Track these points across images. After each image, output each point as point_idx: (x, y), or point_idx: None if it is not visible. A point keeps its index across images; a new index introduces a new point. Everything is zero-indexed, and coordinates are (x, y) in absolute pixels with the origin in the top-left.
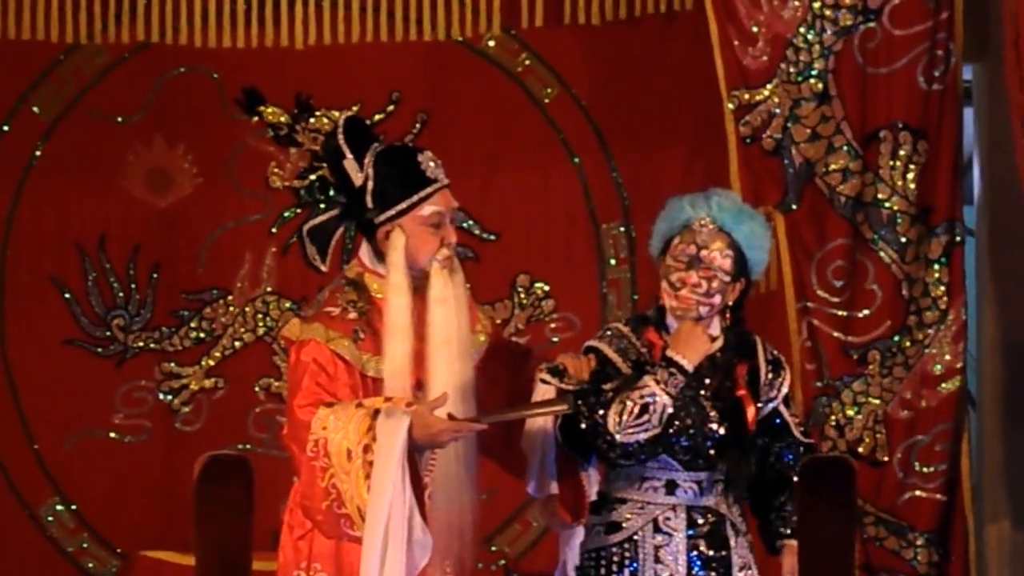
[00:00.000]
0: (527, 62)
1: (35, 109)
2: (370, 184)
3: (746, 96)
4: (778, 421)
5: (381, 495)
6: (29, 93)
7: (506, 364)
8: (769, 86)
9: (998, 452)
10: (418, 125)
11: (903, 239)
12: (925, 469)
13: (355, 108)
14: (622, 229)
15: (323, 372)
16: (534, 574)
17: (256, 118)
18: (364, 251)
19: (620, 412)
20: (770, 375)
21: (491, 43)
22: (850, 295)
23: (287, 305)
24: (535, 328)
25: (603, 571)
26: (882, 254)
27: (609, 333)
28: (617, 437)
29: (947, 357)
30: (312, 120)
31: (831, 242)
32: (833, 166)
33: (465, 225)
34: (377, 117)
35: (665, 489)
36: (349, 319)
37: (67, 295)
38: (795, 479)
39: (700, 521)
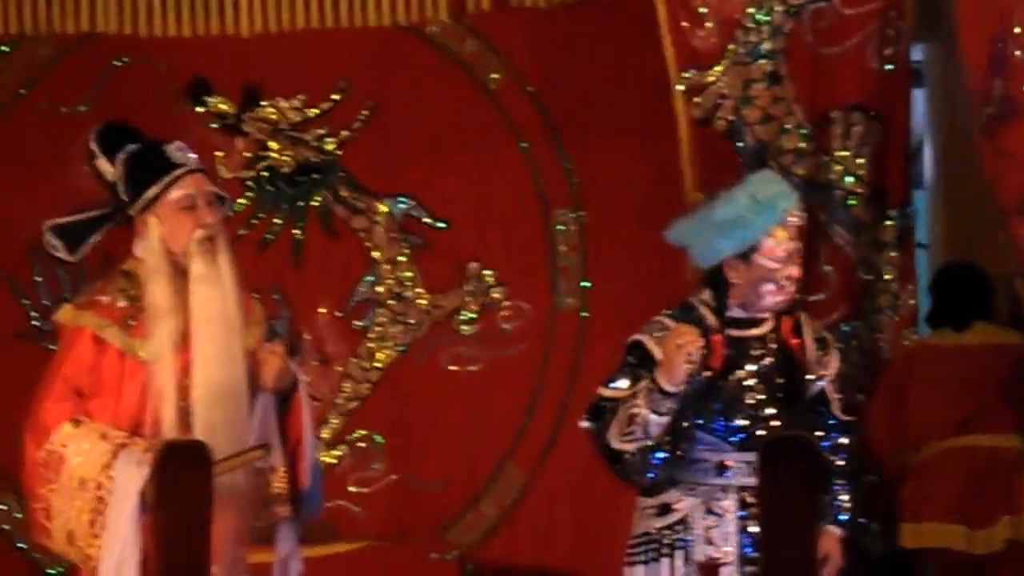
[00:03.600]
0: (473, 48)
1: None
2: (121, 180)
3: (696, 78)
4: (821, 399)
5: (116, 540)
6: None
7: None
8: (719, 67)
9: None
10: (365, 112)
11: (857, 221)
12: None
13: (301, 97)
14: (572, 215)
15: (86, 374)
16: (488, 564)
17: (202, 108)
18: (135, 244)
19: (615, 422)
20: (818, 352)
21: (437, 29)
22: (804, 278)
23: None
24: (486, 316)
25: (653, 554)
26: (836, 237)
27: (653, 325)
28: (612, 444)
29: (903, 342)
30: (259, 110)
31: None
32: (786, 147)
33: (414, 212)
34: (324, 105)
35: (716, 470)
36: (119, 307)
37: (15, 289)
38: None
39: (751, 501)
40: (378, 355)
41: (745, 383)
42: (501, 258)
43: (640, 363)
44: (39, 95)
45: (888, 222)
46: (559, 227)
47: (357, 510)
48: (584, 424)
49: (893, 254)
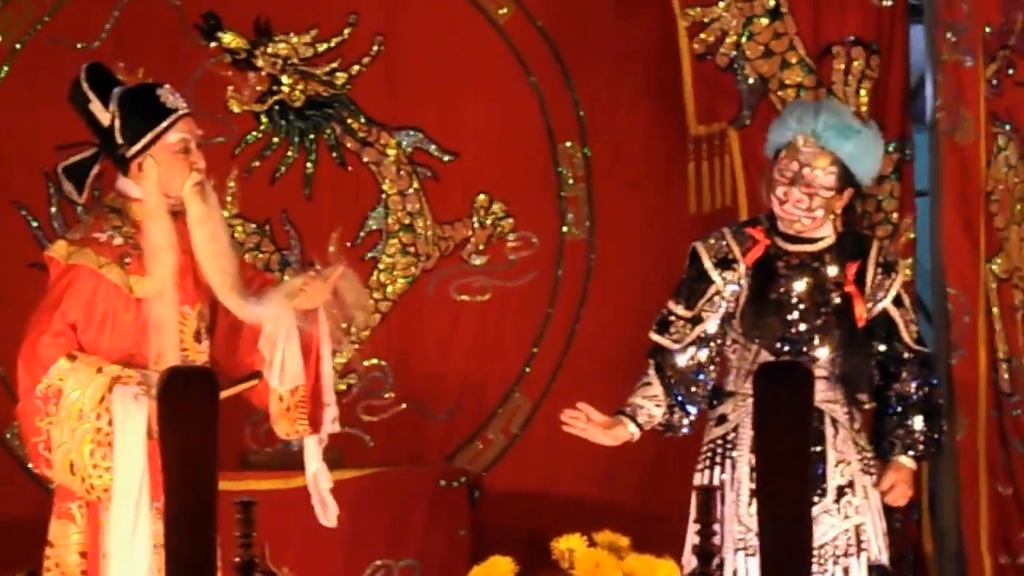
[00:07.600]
0: None
1: None
2: (117, 122)
3: (699, 13)
4: (889, 326)
5: (130, 469)
6: None
7: None
8: (722, 3)
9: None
10: (375, 47)
11: None
12: None
13: (312, 32)
14: (578, 147)
15: (81, 309)
16: (496, 490)
17: (214, 43)
18: (122, 183)
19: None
20: (879, 276)
21: None
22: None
23: (252, 227)
24: (495, 247)
25: (709, 462)
26: None
27: (713, 234)
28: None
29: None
30: (270, 45)
31: None
32: (787, 82)
33: (423, 145)
34: (335, 40)
35: None
36: (115, 244)
37: (31, 219)
38: (915, 394)
39: None
40: (388, 286)
41: (792, 297)
42: (509, 189)
43: (698, 277)
44: (54, 30)
45: (887, 154)
46: (565, 159)
47: (367, 438)
48: (652, 335)
49: (893, 185)
